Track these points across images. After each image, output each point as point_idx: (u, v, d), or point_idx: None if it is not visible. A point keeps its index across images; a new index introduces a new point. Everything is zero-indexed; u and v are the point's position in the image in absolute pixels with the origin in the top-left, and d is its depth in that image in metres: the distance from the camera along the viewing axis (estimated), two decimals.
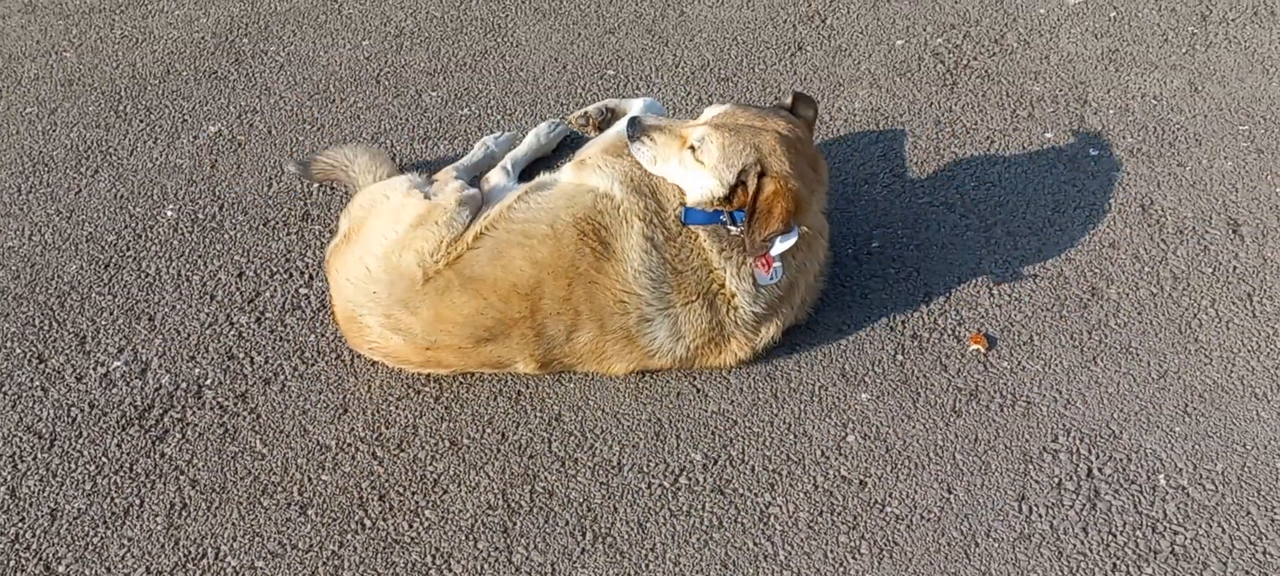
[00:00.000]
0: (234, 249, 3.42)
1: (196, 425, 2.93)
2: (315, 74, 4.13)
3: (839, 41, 4.03)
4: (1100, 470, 2.64)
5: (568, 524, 2.65)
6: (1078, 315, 2.98)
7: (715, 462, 2.74)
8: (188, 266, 3.37)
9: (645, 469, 2.74)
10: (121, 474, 2.82)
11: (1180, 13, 3.97)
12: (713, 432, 2.80)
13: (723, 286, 2.79)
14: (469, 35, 4.25)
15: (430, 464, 2.80)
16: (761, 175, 2.70)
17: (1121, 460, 2.65)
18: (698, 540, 2.59)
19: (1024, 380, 2.84)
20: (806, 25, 4.12)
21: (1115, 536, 2.52)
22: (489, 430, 2.86)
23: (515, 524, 2.66)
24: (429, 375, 2.97)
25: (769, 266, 2.75)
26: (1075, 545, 2.51)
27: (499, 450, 2.81)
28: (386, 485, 2.76)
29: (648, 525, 2.63)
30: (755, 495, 2.66)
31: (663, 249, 2.77)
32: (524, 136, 3.61)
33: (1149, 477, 2.61)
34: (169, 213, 3.57)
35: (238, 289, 3.29)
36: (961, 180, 3.41)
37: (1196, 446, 2.66)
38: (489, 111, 3.88)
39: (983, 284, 3.09)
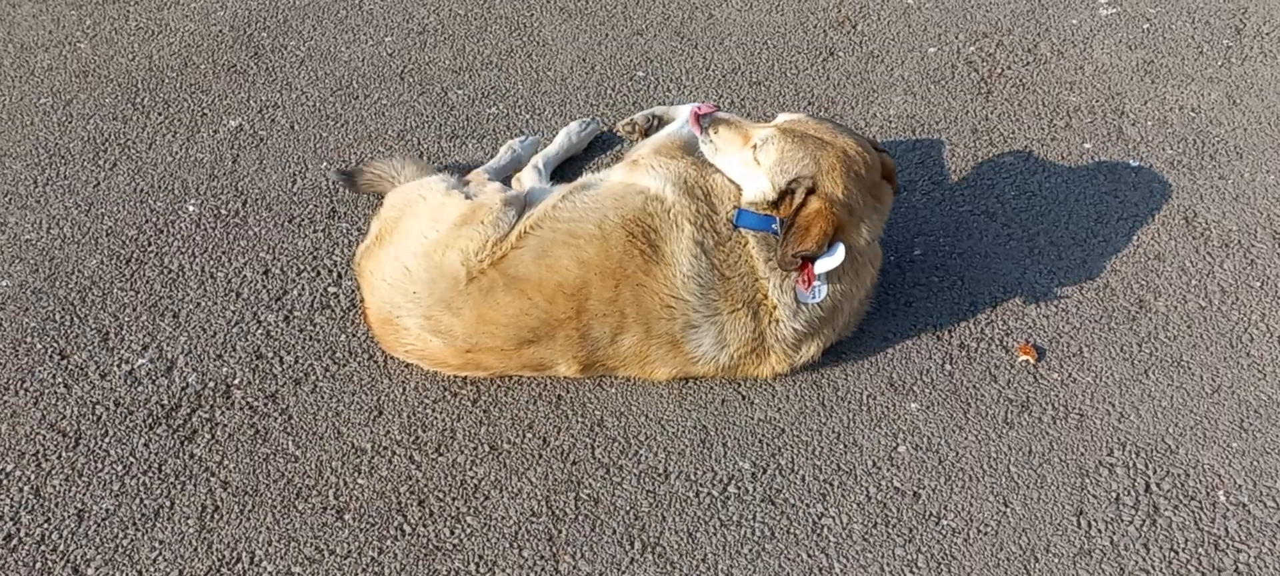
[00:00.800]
0: (259, 245, 3.34)
1: (226, 425, 2.84)
2: (337, 70, 4.05)
3: (871, 48, 3.98)
4: (1158, 485, 2.59)
5: (615, 532, 2.58)
6: (1126, 327, 2.94)
7: (764, 471, 2.68)
8: (212, 263, 3.29)
9: (692, 477, 2.68)
10: (150, 474, 2.73)
11: (1214, 26, 3.94)
12: (760, 441, 2.74)
13: (766, 297, 2.73)
14: (494, 33, 4.18)
15: (470, 469, 2.72)
16: (810, 191, 2.65)
17: (1179, 475, 2.60)
18: (749, 551, 2.53)
19: (1075, 392, 2.80)
20: (837, 31, 4.08)
21: (1177, 553, 2.47)
22: (530, 435, 2.79)
23: (561, 531, 2.59)
24: (466, 377, 2.90)
25: (809, 283, 2.69)
26: (1137, 561, 2.46)
27: (541, 455, 2.74)
28: (426, 490, 2.68)
29: (697, 535, 2.56)
30: (807, 505, 2.60)
31: (712, 254, 2.71)
32: (550, 138, 3.55)
33: (1208, 493, 2.57)
34: (191, 208, 3.48)
35: (264, 287, 3.21)
36: (1001, 189, 3.37)
37: (1255, 463, 2.62)
38: (517, 111, 3.81)
39: (1029, 294, 3.04)
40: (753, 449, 2.73)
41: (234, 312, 3.14)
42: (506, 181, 3.32)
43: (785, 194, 2.70)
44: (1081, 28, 3.99)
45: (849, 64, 3.92)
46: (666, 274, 2.68)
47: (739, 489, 2.64)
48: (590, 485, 2.67)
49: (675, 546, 2.55)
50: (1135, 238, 3.18)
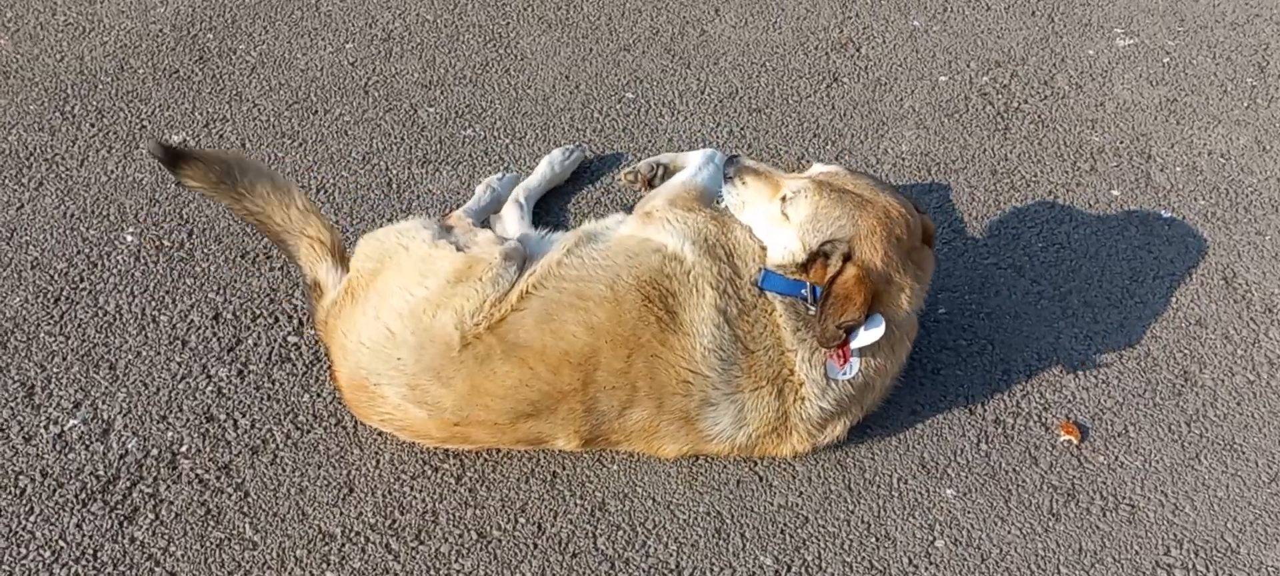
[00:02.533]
0: (208, 285, 2.96)
1: (172, 503, 2.48)
2: (293, 79, 3.67)
3: (877, 74, 3.71)
4: None
5: None
6: (1173, 404, 2.70)
7: (788, 569, 2.39)
8: (154, 304, 2.91)
9: (708, 574, 2.38)
10: (83, 561, 2.36)
11: (1236, 61, 3.73)
12: (782, 531, 2.45)
13: (793, 372, 2.44)
14: (466, 44, 3.83)
15: (456, 560, 2.40)
16: (846, 256, 2.37)
17: None
18: None
19: (1124, 479, 2.55)
20: (840, 54, 3.79)
21: None
22: (523, 520, 2.47)
23: None
24: (448, 449, 2.57)
25: (845, 360, 2.41)
26: None
27: (536, 545, 2.43)
28: None
29: None
30: None
31: (735, 323, 2.41)
32: (530, 171, 3.22)
33: None
34: (128, 237, 3.09)
35: (214, 334, 2.84)
36: (1028, 240, 3.11)
37: None
38: (495, 133, 3.47)
39: (1065, 362, 2.79)
40: (774, 541, 2.44)
41: (180, 365, 2.76)
42: (485, 223, 2.99)
43: (817, 256, 2.41)
44: (1099, 59, 3.75)
45: (855, 91, 3.63)
46: (685, 345, 2.37)
47: None
48: None
49: None
50: (1173, 299, 2.95)
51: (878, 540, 2.44)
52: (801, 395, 2.44)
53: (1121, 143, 3.43)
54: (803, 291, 2.41)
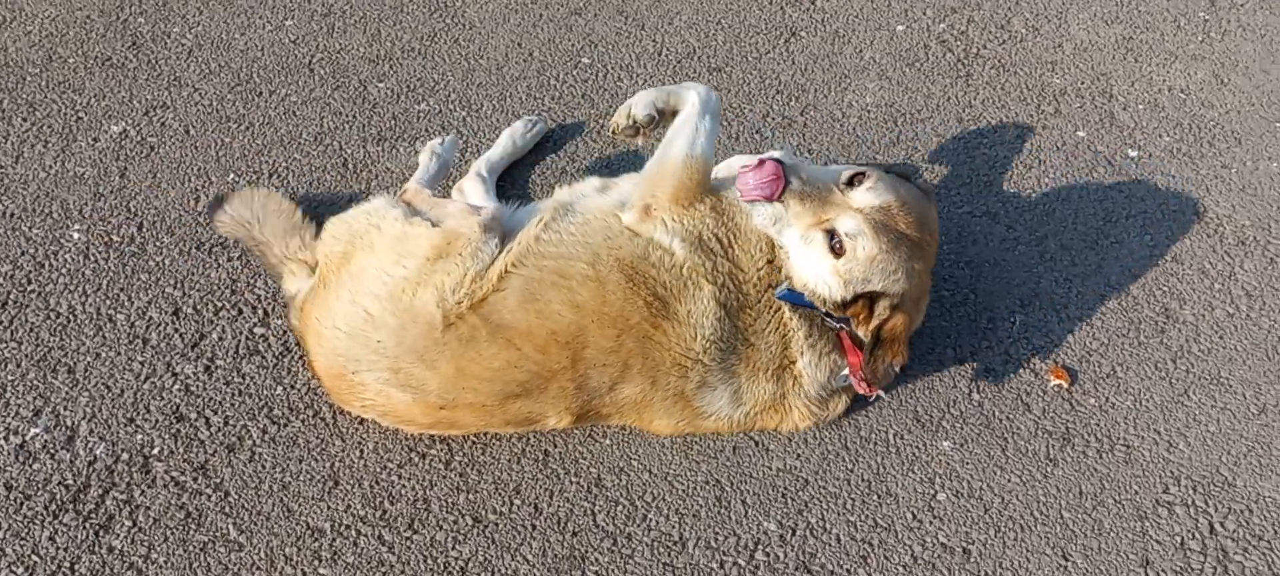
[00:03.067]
0: (164, 279, 2.83)
1: (149, 508, 2.37)
2: (233, 60, 3.52)
3: (834, 26, 3.66)
4: (1222, 525, 2.37)
5: None
6: (1157, 341, 2.71)
7: (793, 532, 2.35)
8: (108, 302, 2.77)
9: (714, 544, 2.33)
10: (61, 575, 2.24)
11: None
12: (783, 495, 2.41)
13: (794, 364, 2.39)
14: (412, 15, 3.70)
15: (453, 548, 2.32)
16: (895, 307, 2.31)
17: (1242, 512, 2.39)
18: None
19: (1117, 420, 2.55)
20: (796, 7, 3.74)
21: None
22: (518, 501, 2.40)
23: None
24: (434, 435, 2.48)
25: (874, 393, 2.38)
26: None
27: (534, 527, 2.36)
28: None
29: None
30: (848, 572, 2.29)
31: (737, 316, 2.34)
32: (482, 138, 3.12)
33: (1276, 531, 2.36)
34: (75, 234, 2.94)
35: (176, 330, 2.71)
36: (999, 186, 3.10)
37: None
38: (450, 106, 3.36)
39: (1048, 306, 2.79)
40: (776, 506, 2.40)
41: (143, 364, 2.63)
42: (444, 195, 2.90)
43: (860, 298, 2.32)
44: (1053, 1, 3.74)
45: (813, 45, 3.58)
46: (681, 333, 2.30)
47: (768, 555, 2.31)
48: (597, 560, 2.30)
49: None
50: (1148, 237, 2.96)
51: (879, 497, 2.41)
52: (801, 384, 2.40)
53: (1083, 83, 3.43)
54: (824, 311, 2.35)
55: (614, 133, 2.61)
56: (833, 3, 3.76)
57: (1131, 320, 2.76)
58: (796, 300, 2.34)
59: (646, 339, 2.29)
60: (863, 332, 2.32)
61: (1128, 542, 2.34)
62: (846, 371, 2.38)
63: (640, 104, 2.58)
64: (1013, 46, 3.57)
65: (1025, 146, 3.21)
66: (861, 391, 2.38)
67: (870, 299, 2.30)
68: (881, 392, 2.41)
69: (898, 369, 2.34)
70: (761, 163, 2.30)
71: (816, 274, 2.31)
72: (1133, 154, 3.19)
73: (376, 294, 2.32)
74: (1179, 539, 2.34)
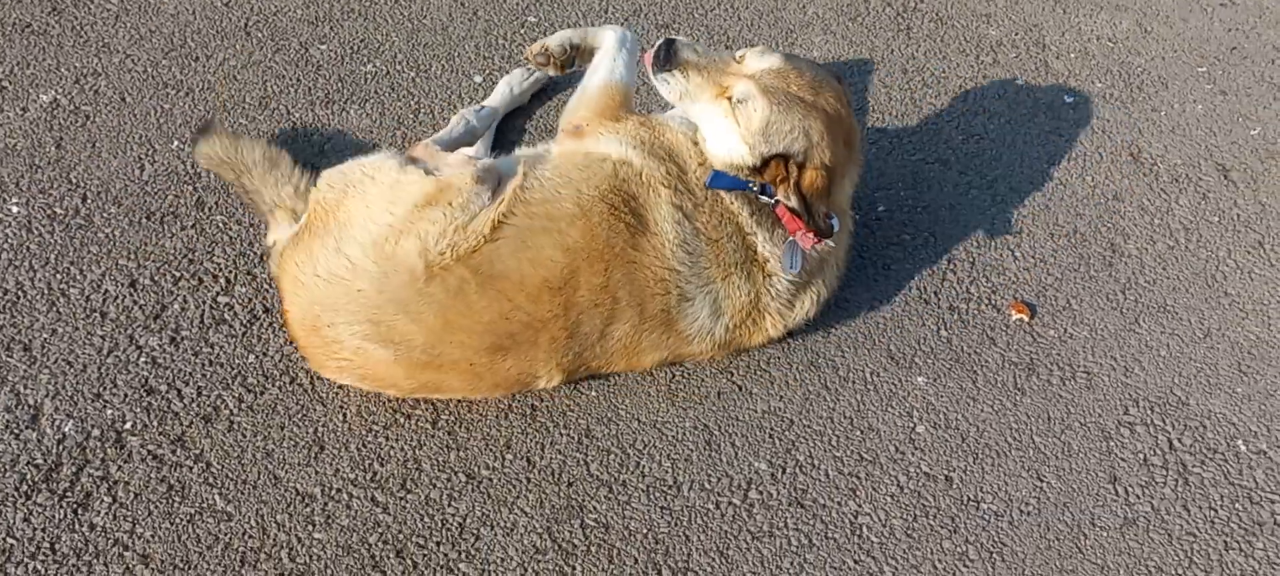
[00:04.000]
0: (116, 250, 2.73)
1: (128, 483, 2.30)
2: (164, 25, 3.39)
3: None
4: (1180, 441, 2.51)
5: (637, 560, 2.25)
6: (1106, 274, 2.84)
7: (784, 470, 2.41)
8: (59, 277, 2.66)
9: (708, 486, 2.37)
10: (41, 557, 2.17)
11: None
12: (770, 435, 2.47)
13: (756, 252, 2.45)
14: None
15: (449, 505, 2.31)
16: (801, 165, 2.38)
17: (1197, 428, 2.53)
18: (792, 565, 2.26)
19: (1076, 349, 2.67)
20: None
21: (1217, 512, 2.39)
22: (510, 456, 2.40)
23: (574, 568, 2.23)
24: (417, 398, 2.46)
25: (823, 244, 2.44)
26: (1182, 526, 2.37)
27: (529, 480, 2.36)
28: (401, 537, 2.25)
29: (730, 553, 2.27)
30: (839, 504, 2.36)
31: (693, 217, 2.40)
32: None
33: (1229, 444, 2.51)
34: (14, 208, 2.81)
35: (135, 302, 2.63)
36: (948, 134, 3.20)
37: (1263, 407, 2.58)
38: (398, 67, 3.30)
39: (1003, 246, 2.89)
40: (765, 446, 2.45)
41: (103, 338, 2.55)
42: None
43: (771, 161, 2.40)
44: None
45: (758, 1, 3.63)
46: (655, 244, 2.34)
47: (762, 494, 2.37)
48: (595, 509, 2.32)
49: (708, 568, 2.25)
50: (1089, 177, 3.09)
51: (862, 433, 2.48)
52: (768, 271, 2.45)
53: (1017, 34, 3.55)
54: (750, 187, 2.41)
55: (527, 58, 2.74)
56: None
57: (1081, 255, 2.89)
58: (725, 183, 2.43)
59: (631, 264, 2.32)
60: (786, 197, 2.40)
61: (1095, 461, 2.46)
62: (793, 237, 2.44)
63: (556, 39, 2.73)
64: (949, 1, 3.67)
65: (969, 95, 3.32)
66: (808, 246, 2.43)
67: (783, 161, 2.39)
68: (830, 242, 2.47)
69: (835, 225, 2.42)
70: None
71: (725, 143, 2.43)
72: (1068, 99, 3.33)
73: (360, 241, 2.29)
74: (1142, 456, 2.47)
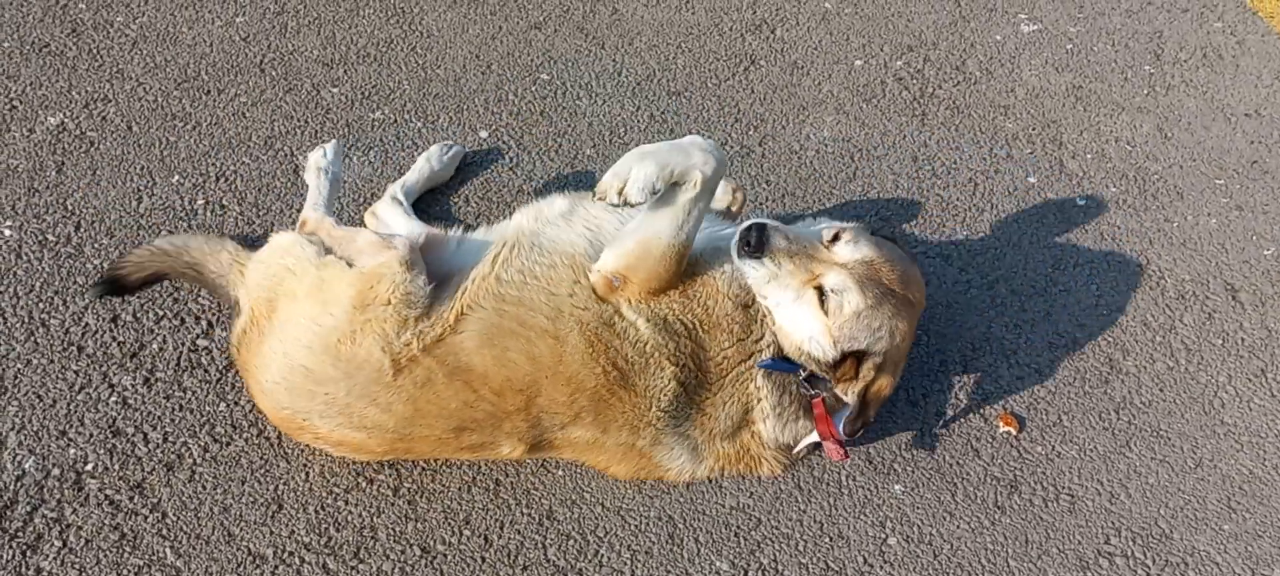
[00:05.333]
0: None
1: (81, 527, 2.29)
2: (180, 55, 3.42)
3: (793, 56, 3.67)
4: None
5: None
6: (1101, 392, 2.77)
7: (744, 573, 2.35)
8: (42, 306, 2.67)
9: None
10: None
11: (1133, 49, 3.84)
12: (736, 534, 2.41)
13: (753, 425, 2.41)
14: (368, 19, 3.63)
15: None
16: (879, 365, 2.31)
17: (1178, 565, 2.45)
18: None
19: (1062, 469, 2.60)
20: (755, 35, 3.74)
21: None
22: (468, 532, 2.36)
23: None
24: (383, 460, 2.44)
25: (847, 458, 2.42)
26: None
27: (484, 559, 2.32)
28: None
29: None
30: None
31: (695, 393, 2.33)
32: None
33: None
34: (6, 231, 2.83)
35: (114, 338, 2.62)
36: (953, 228, 3.14)
37: (1248, 548, 2.49)
38: (406, 116, 3.30)
39: (998, 351, 2.83)
40: (728, 545, 2.40)
41: (77, 374, 2.54)
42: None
43: (849, 358, 2.30)
44: (1006, 45, 3.81)
45: (773, 74, 3.59)
46: (636, 403, 2.29)
47: None
48: None
49: None
50: (1094, 287, 3.02)
51: (831, 539, 2.43)
52: (760, 437, 2.41)
53: (1034, 129, 3.49)
54: (800, 370, 2.35)
55: (599, 197, 2.25)
56: (792, 33, 3.77)
57: (1078, 369, 2.81)
58: (780, 368, 2.33)
59: (600, 401, 2.27)
60: (846, 395, 2.32)
61: None
62: (812, 437, 2.38)
63: (637, 185, 2.21)
64: (967, 88, 3.62)
65: (978, 190, 3.26)
66: (835, 457, 2.39)
67: (857, 358, 2.29)
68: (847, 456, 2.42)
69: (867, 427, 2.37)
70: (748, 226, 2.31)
71: (809, 333, 2.29)
72: (1080, 203, 3.26)
73: (309, 346, 2.25)
74: None
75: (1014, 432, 2.65)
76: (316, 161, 2.80)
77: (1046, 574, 2.40)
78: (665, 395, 2.29)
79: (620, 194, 2.21)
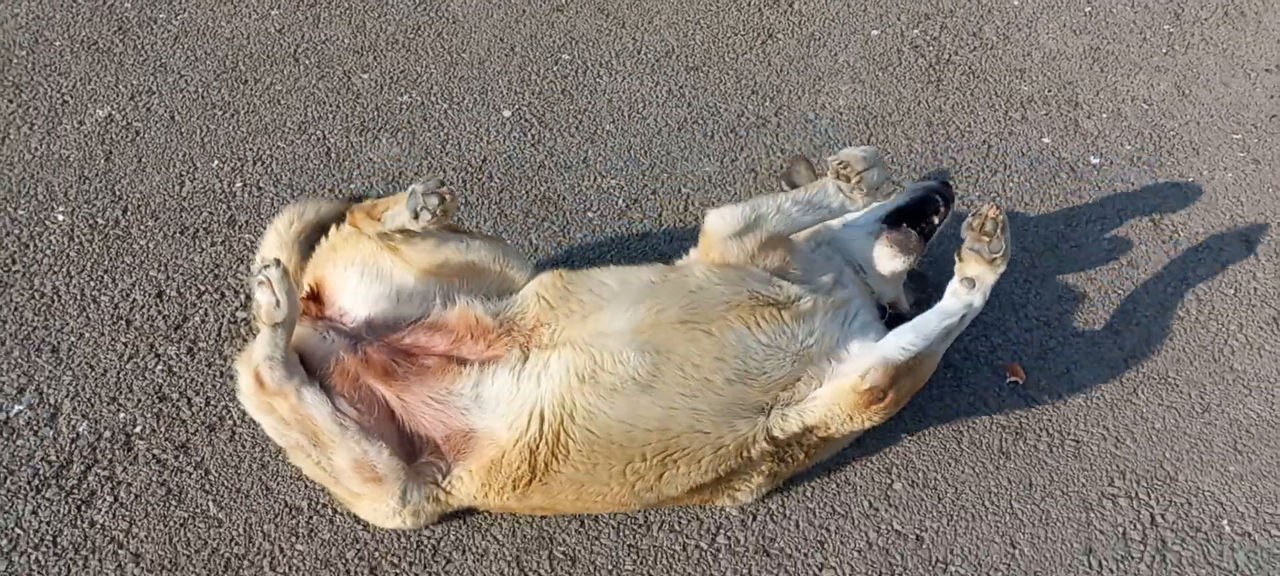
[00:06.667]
0: (148, 262, 2.89)
1: (131, 484, 2.44)
2: (219, 48, 3.58)
3: (810, 28, 3.75)
4: (1162, 516, 2.47)
5: None
6: (1110, 342, 2.81)
7: (754, 518, 2.44)
8: (93, 284, 2.83)
9: (676, 528, 2.42)
10: (43, 548, 2.31)
11: (1153, 10, 3.85)
12: None
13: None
14: (396, 8, 3.77)
15: (425, 529, 2.40)
16: None
17: (1182, 505, 2.49)
18: None
19: (1068, 415, 2.65)
20: (773, 9, 3.82)
21: None
22: None
23: None
24: None
25: None
26: None
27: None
28: (376, 555, 2.35)
29: None
30: (806, 556, 2.38)
31: None
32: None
33: (1213, 524, 2.47)
34: (60, 216, 3.00)
35: (159, 312, 2.78)
36: (965, 189, 3.19)
37: (1254, 488, 2.53)
38: (433, 99, 3.43)
39: (1008, 307, 2.88)
40: None
41: (126, 345, 2.70)
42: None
43: None
44: (1023, 10, 3.84)
45: (789, 47, 3.67)
46: None
47: (730, 539, 2.40)
48: (564, 542, 2.39)
49: None
50: (1106, 242, 3.06)
51: (838, 486, 2.51)
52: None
53: (1049, 91, 3.53)
54: None
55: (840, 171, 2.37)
56: (809, 6, 3.85)
57: (1087, 321, 2.86)
58: None
59: None
60: None
61: (1072, 532, 2.44)
62: None
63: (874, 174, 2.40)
64: (983, 53, 3.66)
65: (992, 151, 3.31)
66: None
67: None
68: None
69: None
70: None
71: None
72: (1095, 161, 3.30)
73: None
74: (1121, 529, 2.45)
75: (1020, 382, 2.70)
76: (265, 300, 2.11)
77: (1049, 515, 2.46)
78: None
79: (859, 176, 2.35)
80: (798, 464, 2.33)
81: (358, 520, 2.37)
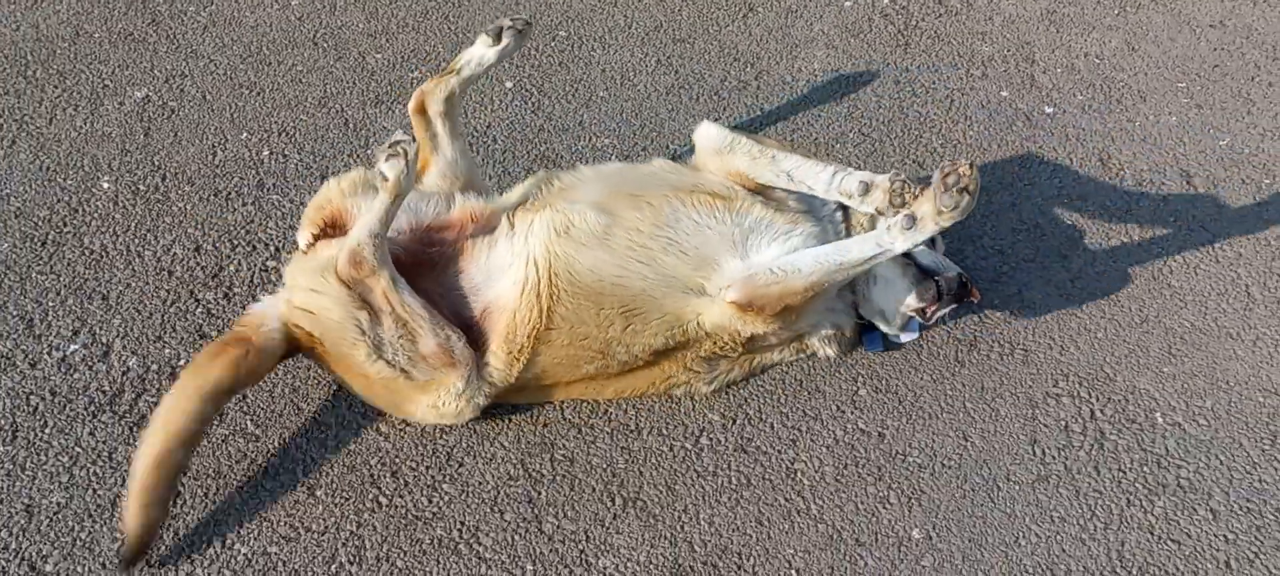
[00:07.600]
0: (186, 221, 3.20)
1: None
2: (244, 35, 3.90)
3: (788, 3, 4.05)
4: (1101, 411, 2.75)
5: (594, 490, 2.60)
6: (1059, 266, 3.09)
7: (734, 422, 2.73)
8: (137, 241, 3.14)
9: (665, 432, 2.71)
10: (101, 464, 2.62)
11: None
12: (726, 395, 2.79)
13: None
14: None
15: (440, 437, 2.69)
16: None
17: (1120, 401, 2.77)
18: (729, 499, 2.58)
19: (1018, 329, 2.93)
20: None
21: (1125, 473, 2.63)
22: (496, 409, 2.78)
23: (540, 493, 2.59)
24: None
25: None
26: (1090, 483, 2.61)
27: (510, 419, 2.73)
28: (397, 461, 2.64)
29: (676, 487, 2.60)
30: (779, 452, 2.67)
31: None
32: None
33: (1147, 416, 2.74)
34: (105, 184, 3.31)
35: (197, 264, 3.09)
36: (928, 138, 3.48)
37: (1185, 385, 2.80)
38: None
39: (966, 238, 3.17)
40: (720, 402, 2.77)
41: (169, 292, 3.01)
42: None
43: None
44: None
45: (768, 19, 3.97)
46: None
47: (712, 440, 2.69)
48: (564, 446, 2.68)
49: (655, 499, 2.58)
50: (1057, 181, 3.34)
51: (809, 394, 2.79)
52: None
53: (1008, 50, 3.82)
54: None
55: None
56: None
57: (1037, 248, 3.14)
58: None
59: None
60: None
61: (1019, 426, 2.72)
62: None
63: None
64: (948, 20, 3.95)
65: (954, 104, 3.60)
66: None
67: None
68: None
69: None
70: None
71: None
72: (1049, 110, 3.58)
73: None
74: (1063, 422, 2.73)
75: (976, 302, 2.98)
76: (396, 171, 2.33)
77: (998, 412, 2.74)
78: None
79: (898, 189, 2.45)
80: (742, 361, 2.70)
81: (393, 424, 2.67)
